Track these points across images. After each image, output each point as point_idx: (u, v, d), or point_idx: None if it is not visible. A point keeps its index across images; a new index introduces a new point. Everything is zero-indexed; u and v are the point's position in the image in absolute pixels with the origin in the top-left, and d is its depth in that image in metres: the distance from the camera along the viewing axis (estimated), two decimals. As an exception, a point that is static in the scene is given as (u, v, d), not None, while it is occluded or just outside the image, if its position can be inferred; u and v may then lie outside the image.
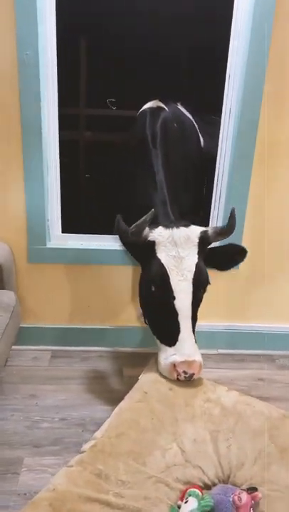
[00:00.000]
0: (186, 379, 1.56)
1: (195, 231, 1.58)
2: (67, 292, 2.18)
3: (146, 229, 1.57)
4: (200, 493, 1.21)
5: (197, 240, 1.57)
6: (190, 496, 1.19)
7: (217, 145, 2.25)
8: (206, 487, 1.27)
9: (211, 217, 2.19)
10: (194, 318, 1.64)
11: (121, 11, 2.44)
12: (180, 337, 1.58)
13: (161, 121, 1.99)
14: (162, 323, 1.63)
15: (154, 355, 1.73)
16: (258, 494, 1.19)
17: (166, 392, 1.56)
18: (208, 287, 2.12)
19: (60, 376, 2.07)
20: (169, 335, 1.60)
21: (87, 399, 1.94)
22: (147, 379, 1.63)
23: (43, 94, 1.86)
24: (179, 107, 2.34)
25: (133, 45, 2.58)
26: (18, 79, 1.79)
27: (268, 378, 2.16)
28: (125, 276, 2.17)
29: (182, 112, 2.30)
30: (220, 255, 1.67)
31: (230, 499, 1.16)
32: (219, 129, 2.39)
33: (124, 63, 2.67)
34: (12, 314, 1.75)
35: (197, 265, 1.57)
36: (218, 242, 1.69)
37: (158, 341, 1.66)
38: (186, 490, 1.23)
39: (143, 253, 1.62)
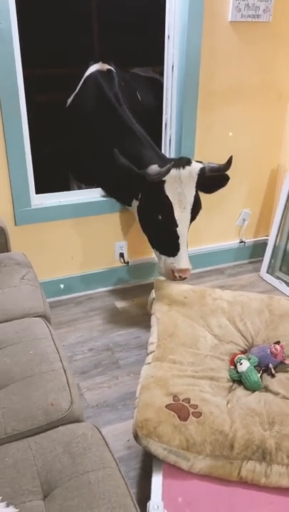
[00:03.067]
0: (179, 279, 2.01)
1: (196, 168, 1.90)
2: (52, 248, 2.38)
3: (158, 168, 1.86)
4: (245, 356, 1.68)
5: (197, 176, 1.91)
6: (241, 359, 1.64)
7: (147, 96, 2.61)
8: (243, 353, 1.75)
9: (162, 161, 2.56)
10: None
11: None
12: (179, 253, 1.99)
13: (117, 83, 2.25)
14: (166, 242, 2.01)
15: (154, 281, 2.12)
16: (283, 344, 1.70)
17: (183, 300, 1.98)
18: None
19: (66, 320, 2.32)
20: (171, 250, 2.00)
21: (99, 330, 2.25)
22: (162, 295, 2.02)
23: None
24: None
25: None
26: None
27: (226, 285, 2.71)
28: (100, 225, 2.45)
29: (119, 71, 2.55)
30: (209, 181, 1.98)
31: (268, 351, 1.65)
32: (142, 82, 2.74)
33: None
34: (32, 270, 1.93)
35: (195, 197, 1.94)
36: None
37: (158, 252, 2.07)
38: (233, 358, 1.68)
39: (152, 188, 1.90)
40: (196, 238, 2.76)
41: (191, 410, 1.38)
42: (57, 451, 1.03)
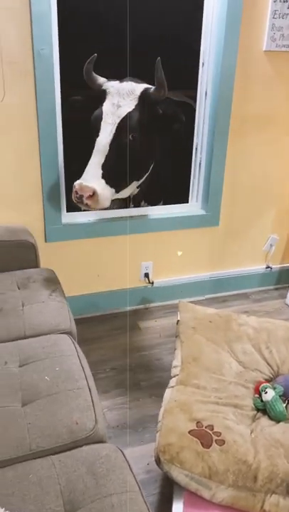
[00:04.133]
0: (78, 200, 1.82)
1: (140, 87, 1.87)
2: (78, 265, 2.41)
3: (104, 79, 1.88)
4: (270, 385, 1.65)
5: (139, 94, 1.86)
6: (266, 388, 1.61)
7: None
8: (268, 382, 1.72)
9: (191, 185, 2.58)
10: (121, 165, 1.87)
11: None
12: (87, 165, 1.83)
13: None
14: (84, 156, 1.88)
15: (179, 303, 2.11)
16: (309, 374, 1.67)
17: (208, 324, 1.96)
18: (194, 244, 2.60)
19: (89, 337, 2.33)
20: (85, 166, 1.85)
21: (122, 350, 2.25)
22: (187, 318, 2.01)
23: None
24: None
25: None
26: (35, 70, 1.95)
27: (251, 310, 2.68)
28: (127, 244, 2.47)
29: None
30: (164, 122, 1.95)
31: (294, 380, 1.62)
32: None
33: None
34: (60, 286, 1.96)
35: (129, 114, 1.84)
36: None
37: None
38: (258, 386, 1.65)
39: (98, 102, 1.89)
40: (221, 262, 2.77)
41: (215, 437, 1.36)
42: (81, 470, 1.03)
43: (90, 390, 1.29)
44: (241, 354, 1.83)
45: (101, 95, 1.90)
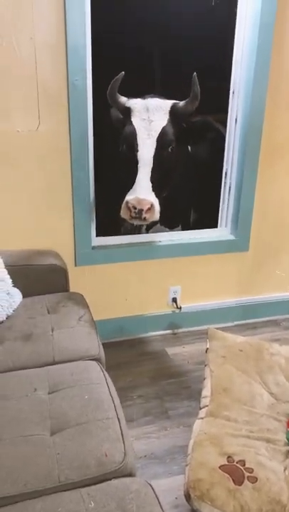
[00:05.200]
0: (136, 216, 1.81)
1: (168, 102, 1.90)
2: (107, 288, 2.42)
3: (125, 98, 1.91)
4: (303, 418, 1.59)
5: (169, 109, 1.89)
6: (298, 421, 1.56)
7: (200, 148, 2.63)
8: (300, 414, 1.66)
9: (220, 210, 2.57)
10: (164, 177, 1.92)
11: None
12: (136, 180, 1.84)
13: None
14: (125, 173, 1.89)
15: (209, 330, 2.08)
16: None
17: (238, 353, 1.92)
18: (223, 269, 2.61)
19: (116, 363, 2.30)
20: (130, 183, 1.85)
21: (149, 377, 2.22)
22: (217, 346, 1.97)
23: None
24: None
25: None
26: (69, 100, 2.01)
27: (282, 338, 2.61)
28: (156, 268, 2.47)
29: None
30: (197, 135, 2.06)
31: None
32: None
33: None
34: (89, 311, 1.96)
35: (164, 128, 1.88)
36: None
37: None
38: (290, 419, 1.60)
39: (122, 120, 1.93)
40: (251, 287, 2.73)
41: (246, 474, 1.31)
42: (110, 506, 1.00)
43: (119, 421, 1.28)
44: (273, 385, 1.77)
45: (125, 113, 1.95)
